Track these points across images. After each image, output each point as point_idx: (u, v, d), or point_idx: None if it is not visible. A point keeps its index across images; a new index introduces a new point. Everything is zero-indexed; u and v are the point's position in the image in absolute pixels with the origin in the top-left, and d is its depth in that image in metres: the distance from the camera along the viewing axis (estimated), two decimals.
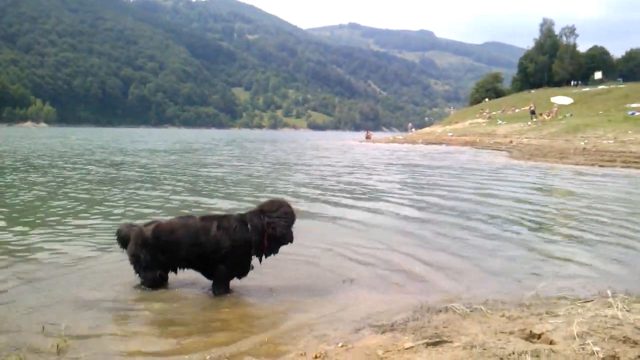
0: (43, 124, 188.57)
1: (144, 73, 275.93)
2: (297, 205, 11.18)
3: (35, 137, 62.65)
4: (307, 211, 10.56)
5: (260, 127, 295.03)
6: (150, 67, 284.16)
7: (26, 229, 8.28)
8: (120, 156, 28.54)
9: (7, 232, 7.94)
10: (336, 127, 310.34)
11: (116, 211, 10.18)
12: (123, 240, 5.37)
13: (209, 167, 22.58)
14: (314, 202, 12.15)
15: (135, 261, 5.22)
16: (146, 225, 5.38)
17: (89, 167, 20.98)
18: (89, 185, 14.46)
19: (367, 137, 63.81)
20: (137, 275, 5.29)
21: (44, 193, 12.67)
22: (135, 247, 5.18)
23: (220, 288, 5.20)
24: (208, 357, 3.69)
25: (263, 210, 5.22)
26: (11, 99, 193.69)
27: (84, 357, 3.70)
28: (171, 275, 5.45)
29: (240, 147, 46.50)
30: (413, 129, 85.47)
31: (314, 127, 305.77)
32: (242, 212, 5.45)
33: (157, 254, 5.15)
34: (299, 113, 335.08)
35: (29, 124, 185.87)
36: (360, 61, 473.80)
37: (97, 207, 10.63)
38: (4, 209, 10.07)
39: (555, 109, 49.73)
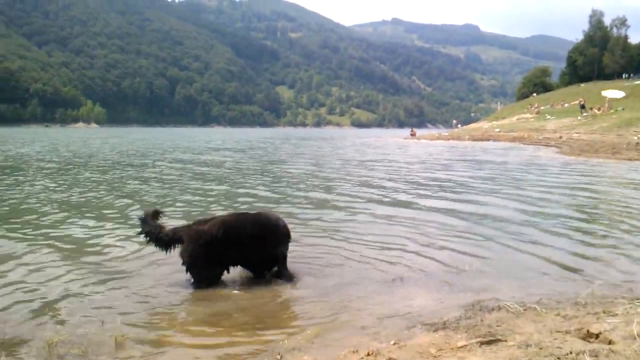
0: (94, 125, 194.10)
1: (190, 73, 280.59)
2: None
3: (95, 137, 65.16)
4: (385, 205, 10.79)
5: (304, 125, 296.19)
6: (196, 67, 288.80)
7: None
8: (190, 154, 30.17)
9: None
10: (380, 124, 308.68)
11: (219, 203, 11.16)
12: (168, 241, 5.36)
13: (284, 164, 23.41)
14: (397, 194, 12.47)
15: (194, 261, 5.25)
16: (198, 224, 5.43)
17: (174, 165, 22.28)
18: (194, 182, 15.43)
19: (412, 135, 63.26)
20: (192, 274, 5.33)
21: (145, 188, 13.82)
22: (194, 247, 5.22)
23: (288, 276, 5.52)
24: (260, 353, 3.74)
25: None
26: (63, 100, 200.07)
27: (140, 351, 3.81)
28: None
29: (297, 145, 47.26)
30: (459, 125, 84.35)
31: (358, 124, 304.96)
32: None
33: (220, 251, 5.26)
34: (342, 111, 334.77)
35: (80, 124, 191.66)
36: (404, 57, 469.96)
37: (212, 203, 11.30)
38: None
39: (607, 103, 48.25)
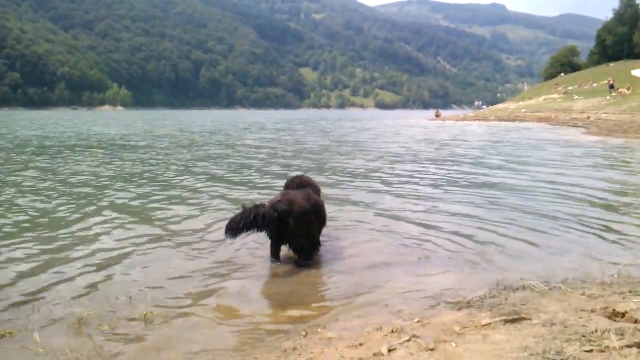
0: (120, 107, 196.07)
1: (214, 55, 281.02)
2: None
3: (137, 119, 66.88)
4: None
5: (327, 106, 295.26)
6: (220, 50, 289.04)
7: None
8: (257, 135, 32.32)
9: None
10: (404, 105, 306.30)
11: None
12: (280, 214, 5.17)
13: (357, 144, 24.34)
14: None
15: (312, 228, 5.43)
16: (293, 194, 5.52)
17: (258, 144, 23.88)
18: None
19: (437, 116, 62.76)
20: (311, 240, 5.43)
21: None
22: (308, 214, 5.35)
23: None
24: (286, 330, 3.79)
25: None
26: (89, 83, 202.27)
27: (168, 327, 3.87)
28: (242, 252, 5.76)
29: (340, 125, 48.28)
30: (484, 106, 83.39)
31: (382, 105, 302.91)
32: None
33: (313, 219, 5.47)
34: (366, 92, 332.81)
35: (106, 107, 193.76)
36: (428, 37, 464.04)
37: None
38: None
39: None
